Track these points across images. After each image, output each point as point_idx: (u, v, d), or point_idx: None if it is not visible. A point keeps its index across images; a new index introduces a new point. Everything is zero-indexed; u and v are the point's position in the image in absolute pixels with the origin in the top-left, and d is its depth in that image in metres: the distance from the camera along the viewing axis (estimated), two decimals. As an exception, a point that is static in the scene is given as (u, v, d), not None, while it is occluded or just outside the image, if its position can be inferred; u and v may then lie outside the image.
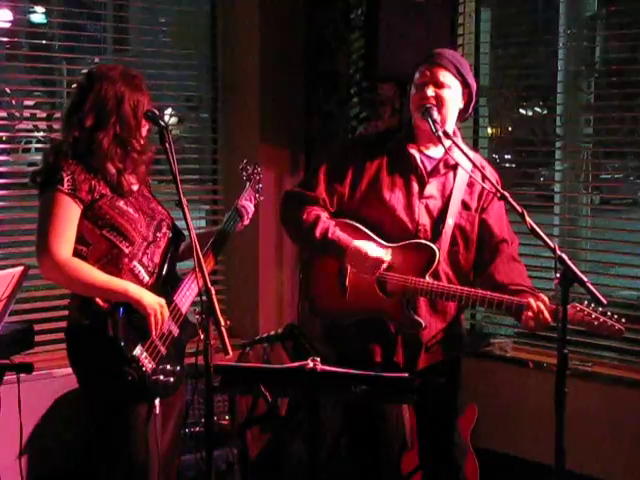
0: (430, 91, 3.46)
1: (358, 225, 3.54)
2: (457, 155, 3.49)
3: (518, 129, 5.72)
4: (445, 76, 3.47)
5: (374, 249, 3.45)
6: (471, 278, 3.63)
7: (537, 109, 6.12)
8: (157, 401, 3.23)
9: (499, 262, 3.58)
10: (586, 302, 3.31)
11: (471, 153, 3.52)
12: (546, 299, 3.37)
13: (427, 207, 3.53)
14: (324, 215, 3.56)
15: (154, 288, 3.32)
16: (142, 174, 3.41)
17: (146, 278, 3.33)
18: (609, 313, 3.29)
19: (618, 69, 5.00)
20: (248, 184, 3.79)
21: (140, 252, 3.32)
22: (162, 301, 3.27)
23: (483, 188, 3.50)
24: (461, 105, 3.55)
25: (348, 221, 3.56)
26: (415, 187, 3.53)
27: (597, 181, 5.35)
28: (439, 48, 3.59)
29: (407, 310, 3.48)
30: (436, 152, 3.57)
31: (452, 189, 3.54)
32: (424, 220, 3.52)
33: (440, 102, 3.46)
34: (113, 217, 3.27)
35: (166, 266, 3.40)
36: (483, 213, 3.59)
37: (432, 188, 3.54)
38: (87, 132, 3.26)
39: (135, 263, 3.30)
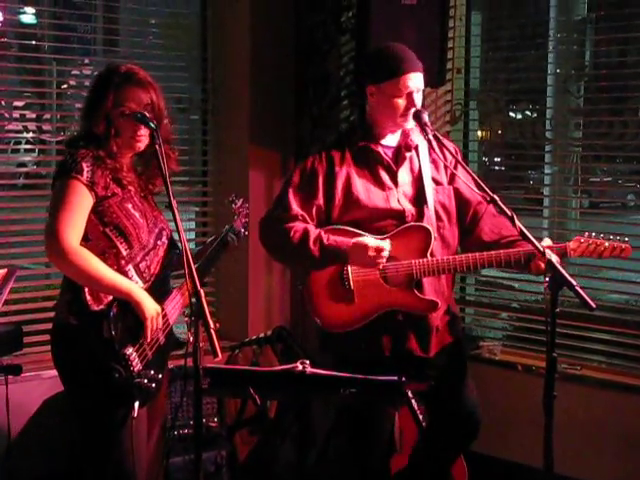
0: (418, 99, 3.53)
1: (346, 227, 3.56)
2: (415, 137, 3.60)
3: (508, 132, 5.73)
4: (420, 79, 3.55)
5: (372, 240, 3.48)
6: (458, 249, 3.71)
7: (527, 112, 6.13)
8: (136, 405, 3.22)
9: (482, 223, 3.67)
10: (587, 233, 3.47)
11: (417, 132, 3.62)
12: (548, 240, 3.48)
13: (404, 194, 3.59)
14: (310, 226, 3.55)
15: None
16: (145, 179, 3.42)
17: (140, 283, 3.32)
18: (611, 236, 3.43)
19: (608, 73, 5.02)
20: (236, 217, 3.80)
21: (138, 257, 3.32)
22: (159, 309, 3.28)
23: (445, 159, 3.61)
24: None
25: (335, 226, 3.57)
26: (387, 179, 3.59)
27: (586, 184, 5.37)
28: (391, 47, 3.60)
29: (418, 294, 3.53)
30: (391, 140, 3.64)
31: (420, 170, 3.61)
32: (407, 206, 3.58)
33: (418, 105, 3.55)
34: (119, 217, 3.28)
35: (161, 275, 3.41)
36: (453, 182, 3.67)
37: (403, 175, 3.61)
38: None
39: (130, 267, 3.30)
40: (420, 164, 3.61)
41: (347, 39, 5.30)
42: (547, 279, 2.97)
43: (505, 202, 3.21)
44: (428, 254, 3.51)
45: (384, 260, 3.48)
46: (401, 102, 3.51)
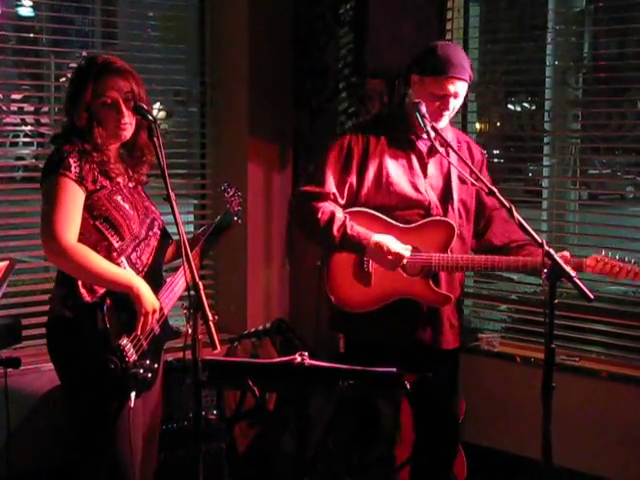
0: (452, 104, 3.58)
1: (373, 212, 3.61)
2: (448, 134, 3.65)
3: (506, 124, 5.72)
4: (463, 87, 3.60)
5: (394, 244, 3.52)
6: (471, 247, 3.78)
7: (525, 104, 6.13)
8: (132, 395, 3.22)
9: (494, 227, 3.77)
10: (604, 251, 3.50)
11: (451, 132, 3.72)
12: (566, 253, 3.51)
13: (431, 186, 3.66)
14: (339, 211, 3.59)
15: None
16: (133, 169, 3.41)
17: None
18: (627, 258, 3.47)
19: (606, 65, 5.01)
20: (228, 206, 3.79)
21: (130, 248, 3.31)
22: (157, 305, 3.28)
23: (473, 161, 3.69)
24: None
25: (362, 209, 3.63)
26: (418, 169, 3.65)
27: (585, 176, 5.36)
28: (449, 47, 3.68)
29: (434, 287, 3.60)
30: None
31: (449, 166, 3.67)
32: (433, 198, 3.64)
33: (453, 109, 3.61)
34: (109, 210, 3.27)
35: (154, 266, 3.40)
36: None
37: (432, 167, 3.68)
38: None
39: (122, 259, 3.29)
40: (449, 161, 3.63)
41: (345, 31, 5.29)
42: (545, 270, 2.98)
43: (504, 194, 3.22)
44: (449, 250, 3.57)
45: (400, 265, 3.53)
46: (438, 100, 3.56)
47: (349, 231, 3.53)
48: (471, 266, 3.65)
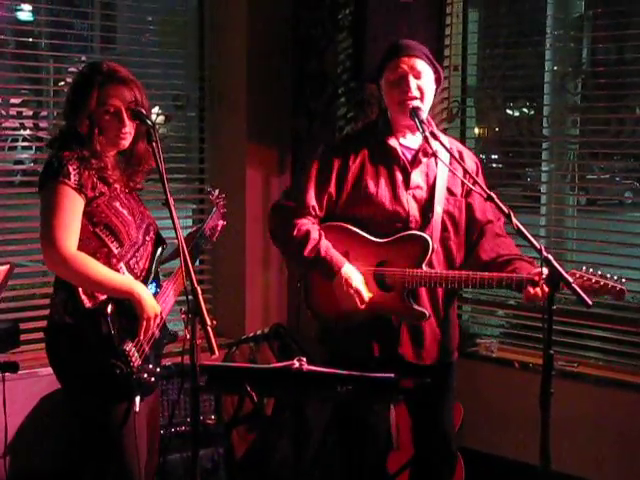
0: (413, 83, 3.47)
1: (348, 227, 3.54)
2: (435, 144, 3.50)
3: (505, 129, 5.73)
4: (420, 64, 3.50)
5: (359, 282, 3.47)
6: (460, 262, 3.65)
7: (524, 110, 6.13)
8: (137, 399, 3.22)
9: (484, 242, 3.62)
10: (584, 268, 3.34)
11: (446, 140, 3.57)
12: (543, 270, 3.24)
13: (414, 197, 3.54)
14: (314, 230, 3.53)
15: None
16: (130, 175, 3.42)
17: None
18: (609, 275, 3.32)
19: (605, 70, 5.02)
20: (215, 208, 3.80)
21: (129, 254, 3.31)
22: (158, 311, 3.28)
23: (464, 172, 3.51)
24: (434, 90, 3.59)
25: (338, 223, 3.56)
26: (400, 178, 3.55)
27: (583, 182, 5.37)
28: (401, 40, 3.59)
29: (409, 302, 3.49)
30: (413, 141, 3.59)
31: (435, 176, 3.56)
32: (413, 211, 3.53)
33: (421, 92, 3.49)
34: (108, 216, 3.26)
35: (151, 270, 3.40)
36: (468, 197, 3.62)
37: (416, 177, 3.56)
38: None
39: (122, 265, 3.29)
40: (436, 171, 3.56)
41: (344, 36, 5.30)
42: (544, 276, 2.98)
43: (502, 199, 3.21)
44: (424, 265, 3.46)
45: (359, 304, 3.46)
46: (396, 85, 3.48)
47: (322, 254, 3.48)
48: (445, 281, 3.45)
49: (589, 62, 5.11)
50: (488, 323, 5.37)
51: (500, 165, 5.64)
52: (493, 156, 5.67)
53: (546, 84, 5.13)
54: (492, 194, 3.20)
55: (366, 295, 3.47)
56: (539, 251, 3.04)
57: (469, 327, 5.36)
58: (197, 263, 3.93)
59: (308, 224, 3.54)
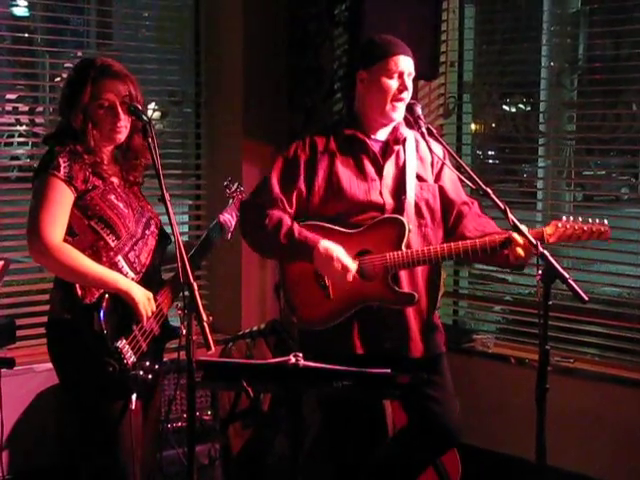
0: (409, 81, 3.50)
1: (324, 224, 3.52)
2: (404, 130, 3.57)
3: (501, 125, 5.73)
4: (412, 65, 3.53)
5: (343, 255, 3.42)
6: None
7: (520, 105, 6.13)
8: (134, 397, 3.22)
9: (467, 222, 3.62)
10: (564, 217, 3.36)
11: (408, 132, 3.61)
12: (524, 228, 3.29)
13: (387, 187, 3.55)
14: (286, 217, 3.52)
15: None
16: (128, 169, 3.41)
17: (130, 274, 3.31)
18: (590, 220, 3.34)
19: (601, 66, 5.03)
20: (231, 201, 3.81)
21: (126, 247, 3.31)
22: (150, 295, 3.28)
23: (433, 158, 3.55)
24: None
25: (314, 222, 3.53)
26: (372, 171, 3.55)
27: (580, 178, 5.37)
28: (386, 35, 3.60)
29: (395, 287, 3.47)
30: (382, 135, 3.60)
31: (404, 163, 3.56)
32: (388, 200, 3.53)
33: (409, 90, 3.53)
34: (103, 209, 3.26)
35: (153, 266, 3.40)
36: (439, 181, 3.63)
37: (389, 168, 3.57)
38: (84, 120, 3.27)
39: (119, 257, 3.29)
40: (405, 157, 3.57)
41: (340, 32, 5.29)
42: (540, 272, 2.98)
43: (498, 195, 3.21)
44: (403, 246, 3.43)
45: (348, 279, 3.42)
46: (392, 83, 3.49)
47: (297, 235, 3.45)
48: (428, 257, 3.42)
49: (585, 58, 5.11)
50: (484, 319, 5.38)
51: (496, 161, 5.64)
52: (489, 152, 5.67)
53: (542, 80, 5.14)
54: (488, 190, 3.20)
55: (350, 265, 3.42)
56: (535, 246, 3.04)
57: (465, 323, 5.37)
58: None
59: (280, 213, 3.52)
